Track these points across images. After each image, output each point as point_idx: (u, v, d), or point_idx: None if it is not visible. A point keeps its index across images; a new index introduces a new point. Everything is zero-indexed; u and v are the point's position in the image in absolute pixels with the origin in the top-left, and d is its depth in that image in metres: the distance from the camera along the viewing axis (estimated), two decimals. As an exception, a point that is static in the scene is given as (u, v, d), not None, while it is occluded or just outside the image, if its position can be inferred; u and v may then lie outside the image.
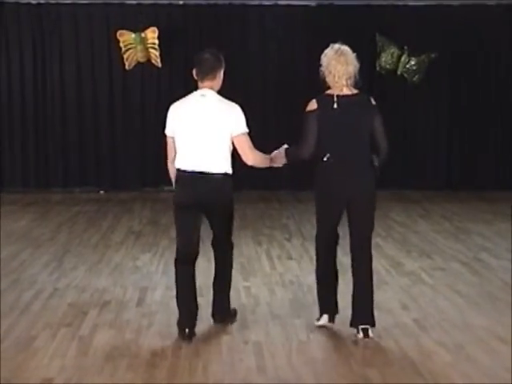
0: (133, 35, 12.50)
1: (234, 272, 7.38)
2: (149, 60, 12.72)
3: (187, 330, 5.61)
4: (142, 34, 12.49)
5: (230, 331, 5.81)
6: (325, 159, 5.53)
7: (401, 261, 8.06)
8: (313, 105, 5.58)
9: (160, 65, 12.69)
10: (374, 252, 8.24)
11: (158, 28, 12.49)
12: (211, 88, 5.66)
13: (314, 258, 5.94)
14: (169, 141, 5.76)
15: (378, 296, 6.67)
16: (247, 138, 5.68)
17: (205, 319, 5.95)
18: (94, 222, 10.32)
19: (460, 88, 13.33)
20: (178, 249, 5.74)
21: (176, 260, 5.73)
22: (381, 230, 9.46)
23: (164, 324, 5.96)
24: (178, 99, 5.86)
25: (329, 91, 5.60)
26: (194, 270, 5.73)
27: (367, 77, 13.65)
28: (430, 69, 12.81)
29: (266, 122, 13.11)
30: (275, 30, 13.12)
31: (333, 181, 5.57)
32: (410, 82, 12.94)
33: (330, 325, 5.84)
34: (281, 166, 5.97)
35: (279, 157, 5.89)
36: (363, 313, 5.67)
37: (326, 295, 5.85)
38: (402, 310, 6.36)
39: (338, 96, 5.52)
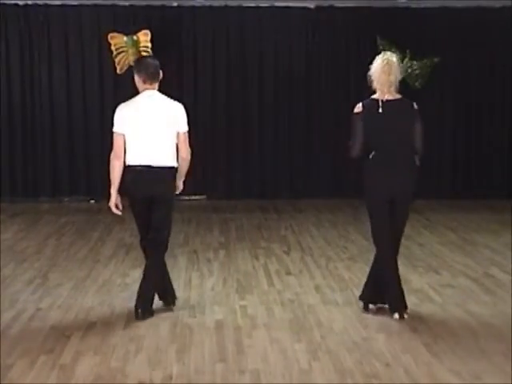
0: (125, 38, 12.08)
1: (229, 290, 6.99)
2: (141, 64, 12.23)
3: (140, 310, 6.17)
4: (134, 37, 12.07)
5: (224, 358, 5.33)
6: (371, 157, 6.07)
7: (407, 277, 7.57)
8: (358, 108, 6.14)
9: (153, 69, 12.20)
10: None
11: (150, 30, 12.04)
12: (155, 89, 6.17)
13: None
14: (118, 138, 6.11)
15: (385, 316, 6.24)
16: (187, 136, 6.21)
17: (197, 344, 5.51)
18: (83, 234, 9.84)
19: (464, 93, 12.91)
20: (141, 236, 6.34)
21: (140, 243, 6.39)
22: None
23: (153, 349, 5.48)
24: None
25: (375, 96, 6.15)
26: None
27: (367, 81, 13.38)
28: (432, 73, 12.39)
29: (262, 124, 12.72)
30: (272, 32, 12.67)
31: (378, 177, 6.10)
32: (412, 87, 12.51)
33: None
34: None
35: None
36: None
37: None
38: (411, 332, 5.86)
39: (383, 101, 6.07)
